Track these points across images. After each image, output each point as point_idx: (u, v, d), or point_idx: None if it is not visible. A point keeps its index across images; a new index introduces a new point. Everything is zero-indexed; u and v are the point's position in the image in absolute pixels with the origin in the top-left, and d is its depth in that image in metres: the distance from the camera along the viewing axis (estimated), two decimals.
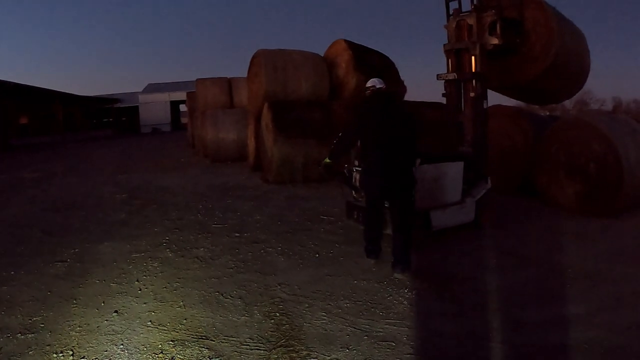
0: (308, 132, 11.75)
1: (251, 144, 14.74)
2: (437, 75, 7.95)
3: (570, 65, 9.05)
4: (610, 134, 8.36)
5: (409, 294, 5.05)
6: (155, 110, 57.82)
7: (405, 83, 14.48)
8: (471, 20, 7.63)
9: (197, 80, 21.23)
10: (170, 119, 59.31)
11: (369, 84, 6.25)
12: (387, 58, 14.45)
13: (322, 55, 14.49)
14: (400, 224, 5.70)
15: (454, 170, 7.10)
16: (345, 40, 13.85)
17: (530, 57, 8.52)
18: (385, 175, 5.62)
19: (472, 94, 7.55)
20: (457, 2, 7.98)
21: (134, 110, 59.58)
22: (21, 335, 4.15)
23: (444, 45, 7.99)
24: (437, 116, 13.74)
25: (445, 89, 7.97)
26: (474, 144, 7.58)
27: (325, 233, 7.44)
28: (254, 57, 13.91)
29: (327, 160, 6.32)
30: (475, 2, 7.72)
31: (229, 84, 20.79)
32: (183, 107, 51.92)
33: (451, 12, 8.02)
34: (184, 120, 47.32)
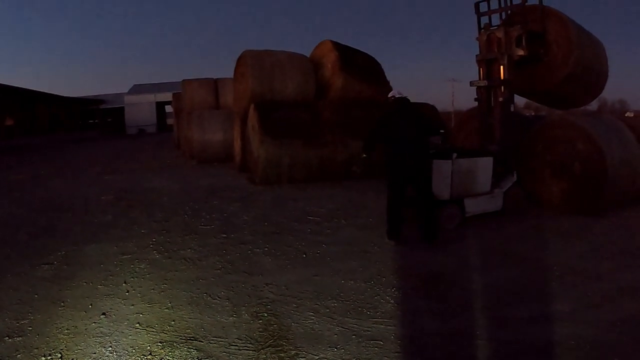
0: (294, 133, 11.79)
1: (237, 144, 14.75)
2: (470, 82, 8.99)
3: (588, 73, 9.58)
4: (595, 134, 8.45)
5: (396, 293, 5.08)
6: (141, 111, 57.54)
7: (391, 84, 14.54)
8: (500, 34, 8.57)
9: (183, 81, 21.19)
10: (156, 120, 59.07)
11: (390, 94, 7.39)
12: (373, 59, 14.52)
13: (308, 56, 14.52)
14: (423, 204, 6.92)
15: (484, 164, 8.07)
16: (332, 41, 13.90)
17: (552, 66, 9.19)
18: (401, 164, 6.82)
19: (500, 99, 8.49)
20: (487, 17, 9.05)
21: (120, 111, 59.26)
22: (9, 339, 4.13)
23: (476, 55, 8.99)
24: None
25: (477, 94, 8.96)
26: (502, 141, 8.50)
27: (312, 234, 7.46)
28: (240, 58, 13.92)
29: (363, 155, 7.32)
30: (503, 17, 8.91)
31: (215, 85, 20.76)
32: (169, 108, 51.77)
33: (482, 25, 9.10)
34: (170, 121, 47.23)
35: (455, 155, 7.62)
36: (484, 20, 9.15)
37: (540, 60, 9.08)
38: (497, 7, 9.05)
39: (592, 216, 8.29)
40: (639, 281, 5.40)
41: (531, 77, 9.32)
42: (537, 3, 8.91)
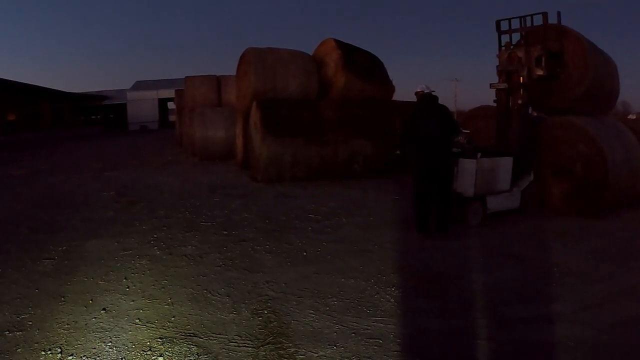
0: (296, 131, 11.79)
1: (239, 142, 14.74)
2: (490, 84, 9.24)
3: (602, 91, 9.75)
4: (596, 135, 8.49)
5: (396, 292, 5.09)
6: (143, 107, 57.51)
7: (394, 83, 14.54)
8: (521, 53, 8.83)
9: (186, 78, 21.17)
10: (159, 116, 59.04)
11: (418, 88, 7.54)
12: (376, 58, 14.50)
13: (311, 54, 14.51)
14: (442, 198, 7.18)
15: (505, 164, 8.37)
16: (335, 40, 13.89)
17: (569, 84, 9.36)
18: (430, 160, 7.07)
19: (519, 101, 8.68)
20: (508, 35, 9.36)
21: (122, 107, 59.22)
22: (9, 333, 4.14)
23: (497, 66, 9.22)
24: None
25: (496, 96, 9.18)
26: (520, 142, 8.69)
27: (313, 231, 7.47)
28: (243, 56, 13.91)
29: (397, 152, 7.68)
30: (523, 34, 9.27)
31: (217, 82, 20.75)
32: (171, 105, 51.76)
33: (503, 43, 9.31)
34: (172, 118, 47.20)
35: (480, 154, 7.87)
36: (505, 38, 9.35)
37: (556, 78, 9.19)
38: (517, 26, 9.21)
39: (592, 218, 8.31)
40: (638, 282, 5.42)
41: (547, 94, 9.46)
42: (556, 22, 9.03)
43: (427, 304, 4.84)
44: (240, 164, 14.50)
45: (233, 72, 15.48)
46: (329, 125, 12.20)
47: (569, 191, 8.85)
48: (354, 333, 4.17)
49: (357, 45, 14.33)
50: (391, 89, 14.50)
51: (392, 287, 5.21)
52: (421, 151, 7.13)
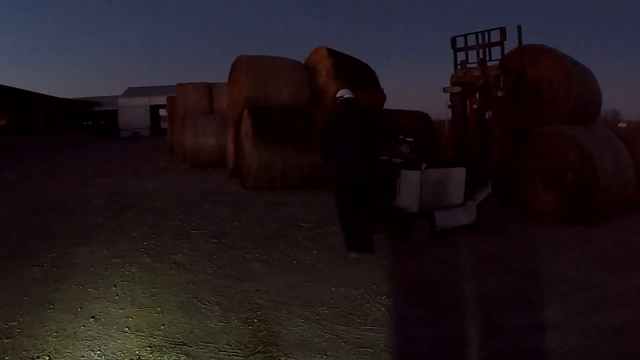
0: (288, 139, 11.81)
1: (230, 149, 14.74)
2: (444, 88, 8.57)
3: (588, 104, 9.88)
4: (586, 143, 8.54)
5: (387, 300, 5.09)
6: (135, 114, 57.45)
7: (385, 91, 14.57)
8: (477, 72, 8.29)
9: (178, 85, 21.19)
10: (150, 123, 58.99)
11: (338, 94, 7.01)
12: (368, 66, 14.52)
13: (303, 62, 14.53)
14: (362, 210, 6.50)
15: (456, 175, 7.59)
16: (326, 48, 13.91)
17: (555, 103, 9.40)
18: (344, 172, 6.49)
19: (475, 106, 8.24)
20: (464, 53, 8.67)
21: (114, 113, 59.15)
22: None
23: (452, 77, 8.71)
24: (414, 123, 13.89)
25: (450, 101, 8.62)
26: (477, 151, 8.34)
27: (304, 240, 7.46)
28: (235, 63, 13.92)
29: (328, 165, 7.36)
30: (480, 55, 8.47)
31: (209, 89, 20.79)
32: (163, 112, 51.71)
33: (458, 62, 8.80)
34: (164, 124, 47.18)
35: (424, 165, 7.17)
36: (461, 56, 8.81)
37: (519, 98, 9.13)
38: (474, 42, 8.61)
39: (583, 225, 8.35)
40: (630, 290, 5.45)
41: (533, 116, 9.52)
42: (516, 37, 8.72)
43: (418, 312, 4.84)
44: (232, 171, 14.49)
45: (225, 80, 15.49)
46: (320, 134, 12.22)
47: (559, 199, 8.89)
48: (344, 342, 4.16)
49: (349, 53, 14.38)
50: (382, 98, 14.52)
51: (383, 296, 5.21)
52: (337, 163, 6.60)
